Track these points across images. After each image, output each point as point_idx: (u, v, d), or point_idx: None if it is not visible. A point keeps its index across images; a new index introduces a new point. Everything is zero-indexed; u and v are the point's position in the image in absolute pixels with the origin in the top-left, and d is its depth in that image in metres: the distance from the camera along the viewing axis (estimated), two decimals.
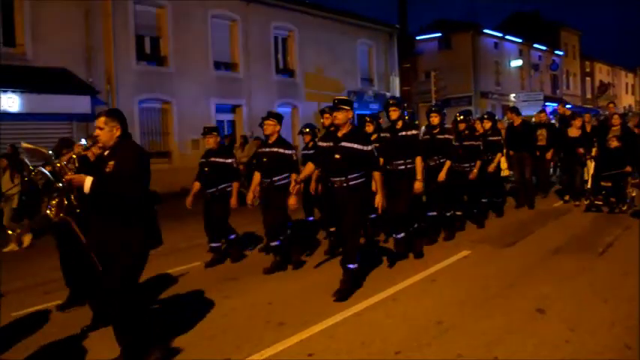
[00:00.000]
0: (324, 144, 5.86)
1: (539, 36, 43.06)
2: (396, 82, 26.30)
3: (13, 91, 13.26)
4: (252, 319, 5.08)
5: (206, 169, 7.38)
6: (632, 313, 4.82)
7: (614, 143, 9.77)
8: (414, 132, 6.93)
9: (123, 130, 4.08)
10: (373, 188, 5.81)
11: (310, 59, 21.78)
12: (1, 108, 13.04)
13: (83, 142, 5.47)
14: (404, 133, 6.85)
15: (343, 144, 5.64)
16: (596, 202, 9.95)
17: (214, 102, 18.55)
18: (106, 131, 4.02)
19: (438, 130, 7.93)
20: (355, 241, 5.70)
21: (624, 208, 9.59)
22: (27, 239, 9.44)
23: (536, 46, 42.48)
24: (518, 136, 10.86)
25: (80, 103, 14.66)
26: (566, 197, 10.91)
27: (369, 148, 5.64)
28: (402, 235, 7.00)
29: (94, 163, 4.56)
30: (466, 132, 8.81)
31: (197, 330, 4.91)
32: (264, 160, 6.80)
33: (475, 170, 8.65)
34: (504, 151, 10.78)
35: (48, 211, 4.58)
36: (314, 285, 6.08)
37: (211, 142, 7.39)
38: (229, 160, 7.38)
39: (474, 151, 8.74)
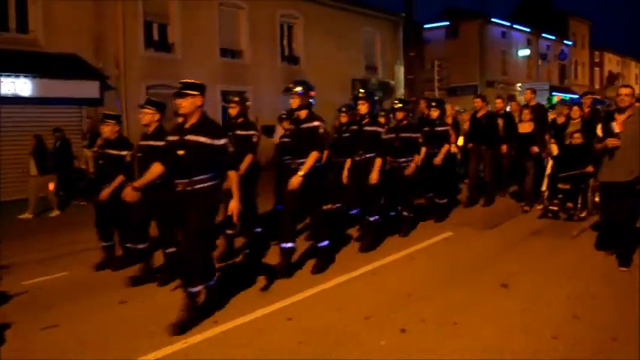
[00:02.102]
0: (171, 138, 4.83)
1: (548, 25, 43.09)
2: (400, 71, 26.58)
3: (25, 76, 13.72)
4: (239, 290, 5.51)
5: (100, 161, 6.66)
6: (588, 289, 5.28)
7: (577, 140, 8.54)
8: (314, 124, 5.85)
9: None
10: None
11: (315, 47, 22.09)
12: (14, 92, 13.54)
13: None
14: (306, 125, 5.88)
15: (188, 137, 4.67)
16: (551, 208, 8.53)
17: (220, 88, 18.94)
18: None
19: (367, 120, 6.94)
20: (197, 260, 4.63)
21: (582, 214, 8.23)
22: None
23: (544, 35, 42.51)
24: (479, 128, 9.77)
25: (90, 88, 15.10)
26: (524, 206, 9.27)
27: (222, 142, 4.63)
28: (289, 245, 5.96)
29: None
30: (403, 122, 7.67)
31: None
32: (139, 155, 6.04)
33: (412, 165, 7.57)
34: (459, 142, 10.47)
35: None
36: (300, 261, 6.55)
37: (106, 131, 6.52)
38: (124, 153, 6.43)
39: (412, 144, 7.63)
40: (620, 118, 5.88)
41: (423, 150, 8.11)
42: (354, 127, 7.16)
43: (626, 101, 5.86)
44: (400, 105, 7.76)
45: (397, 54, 26.49)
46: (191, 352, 4.10)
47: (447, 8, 38.69)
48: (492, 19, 36.80)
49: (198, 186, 4.61)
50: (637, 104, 6.28)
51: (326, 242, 6.13)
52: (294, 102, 5.87)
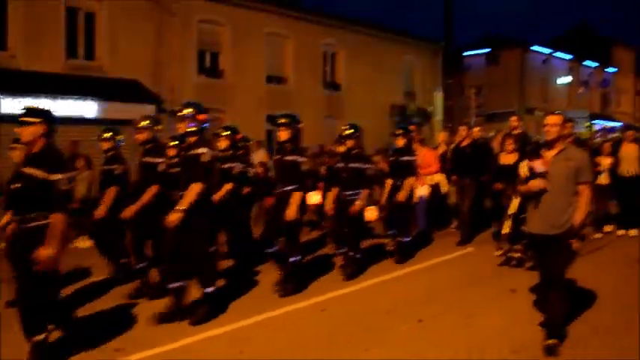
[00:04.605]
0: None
1: (590, 52, 43.24)
2: (439, 97, 27.38)
3: (91, 99, 15.21)
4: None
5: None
6: (594, 290, 5.99)
7: None
8: (198, 151, 5.21)
9: None
10: None
11: (356, 74, 23.16)
12: (80, 113, 14.99)
13: None
14: (191, 152, 5.27)
15: (24, 170, 4.16)
16: (510, 255, 7.37)
17: (265, 113, 20.14)
18: None
19: (289, 147, 6.10)
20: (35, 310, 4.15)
21: None
22: None
23: (586, 62, 42.65)
24: (462, 159, 8.99)
25: (147, 111, 16.48)
26: (499, 252, 7.82)
27: (54, 177, 4.07)
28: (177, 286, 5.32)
29: None
30: (354, 151, 6.98)
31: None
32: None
33: (358, 202, 6.77)
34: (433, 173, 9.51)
35: None
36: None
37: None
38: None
39: (362, 175, 6.93)
40: (548, 154, 4.53)
41: (388, 182, 7.77)
42: (277, 157, 6.32)
43: (552, 133, 4.50)
44: (351, 131, 6.97)
45: (436, 80, 27.34)
46: (243, 331, 5.11)
47: (486, 35, 39.21)
48: (533, 47, 37.30)
49: (31, 224, 4.07)
50: (569, 139, 5.33)
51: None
52: (181, 127, 5.31)
